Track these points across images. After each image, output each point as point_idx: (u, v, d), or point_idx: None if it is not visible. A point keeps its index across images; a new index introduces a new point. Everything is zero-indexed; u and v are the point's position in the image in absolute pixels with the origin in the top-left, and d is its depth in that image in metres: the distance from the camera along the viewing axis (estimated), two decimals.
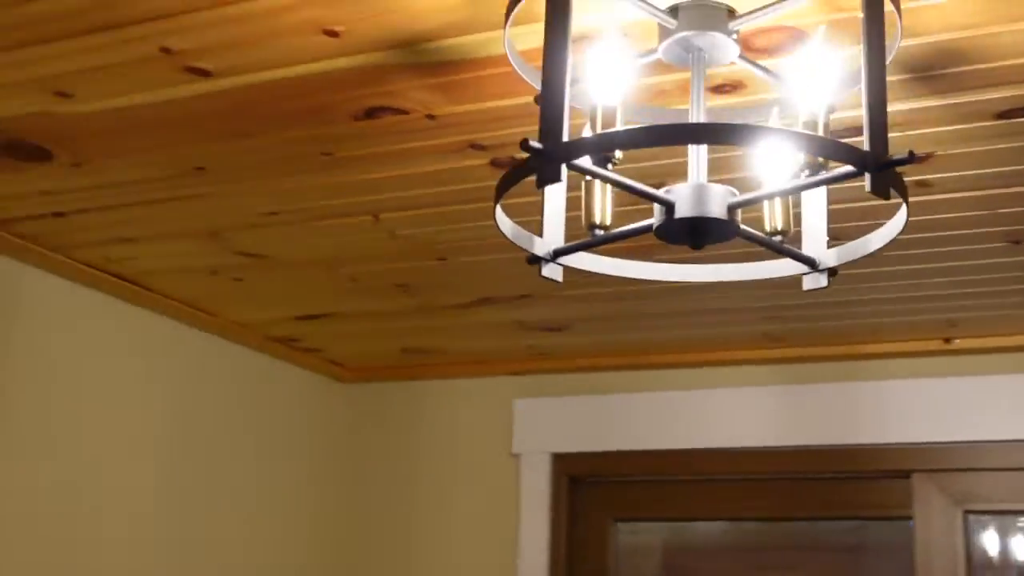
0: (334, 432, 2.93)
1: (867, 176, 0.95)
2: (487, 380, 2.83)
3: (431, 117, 1.57)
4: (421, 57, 1.41)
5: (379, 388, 2.95)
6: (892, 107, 1.45)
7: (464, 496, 2.79)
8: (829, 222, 1.19)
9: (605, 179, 1.04)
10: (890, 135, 1.50)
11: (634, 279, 1.22)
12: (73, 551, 2.22)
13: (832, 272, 1.18)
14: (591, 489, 2.77)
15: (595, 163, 1.04)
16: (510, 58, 1.15)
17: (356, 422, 2.95)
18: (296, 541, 2.79)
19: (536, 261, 1.19)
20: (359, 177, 1.77)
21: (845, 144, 0.96)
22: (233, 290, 2.36)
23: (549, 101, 0.98)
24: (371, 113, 1.57)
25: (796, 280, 1.20)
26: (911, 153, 0.94)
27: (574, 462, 2.75)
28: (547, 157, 0.96)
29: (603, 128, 1.03)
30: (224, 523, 2.59)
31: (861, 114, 0.98)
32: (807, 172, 1.03)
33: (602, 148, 0.99)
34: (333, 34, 1.38)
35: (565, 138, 0.97)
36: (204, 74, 1.49)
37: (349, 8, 1.32)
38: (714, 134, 1.00)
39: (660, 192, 1.06)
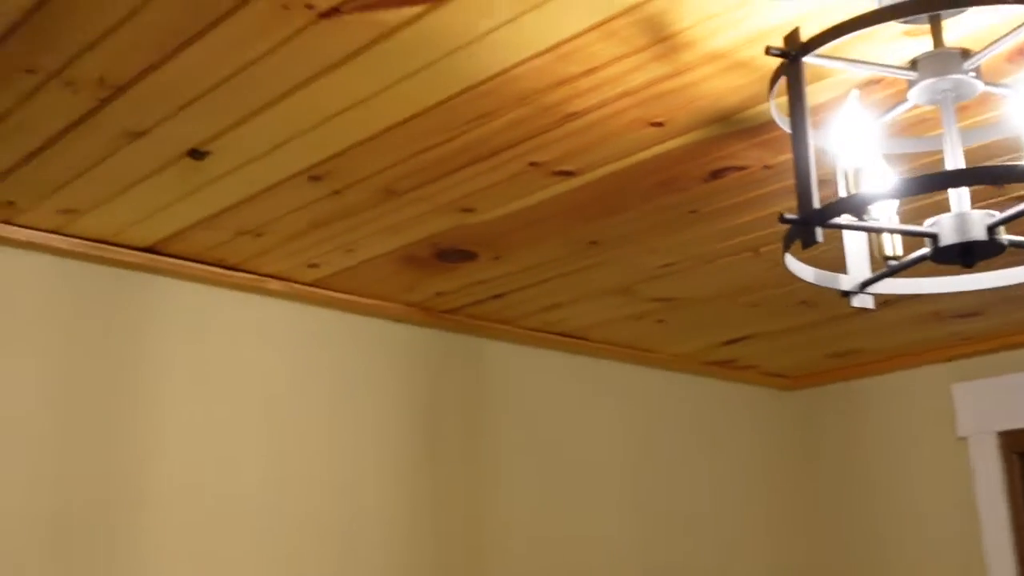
0: (784, 437, 3.13)
1: None
2: (921, 370, 2.92)
3: (768, 167, 1.77)
4: (736, 126, 1.63)
5: (820, 392, 3.11)
6: None
7: (917, 483, 2.89)
8: None
9: (863, 229, 1.21)
10: None
11: (937, 294, 1.36)
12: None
13: None
14: None
15: (857, 216, 1.21)
16: (778, 122, 1.33)
17: (803, 425, 3.13)
18: (761, 541, 3.01)
19: (847, 295, 1.37)
20: (726, 224, 2.00)
21: None
22: (660, 329, 2.64)
23: (799, 176, 1.17)
24: (716, 174, 1.80)
25: None
26: None
27: (1022, 438, 2.77)
28: (803, 225, 1.16)
29: (855, 186, 1.21)
30: (688, 533, 2.86)
31: None
32: None
33: (850, 209, 1.17)
34: (658, 125, 1.63)
35: (816, 205, 1.16)
36: (569, 174, 1.79)
37: (664, 104, 1.57)
38: (940, 182, 1.14)
39: (924, 227, 1.22)
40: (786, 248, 1.25)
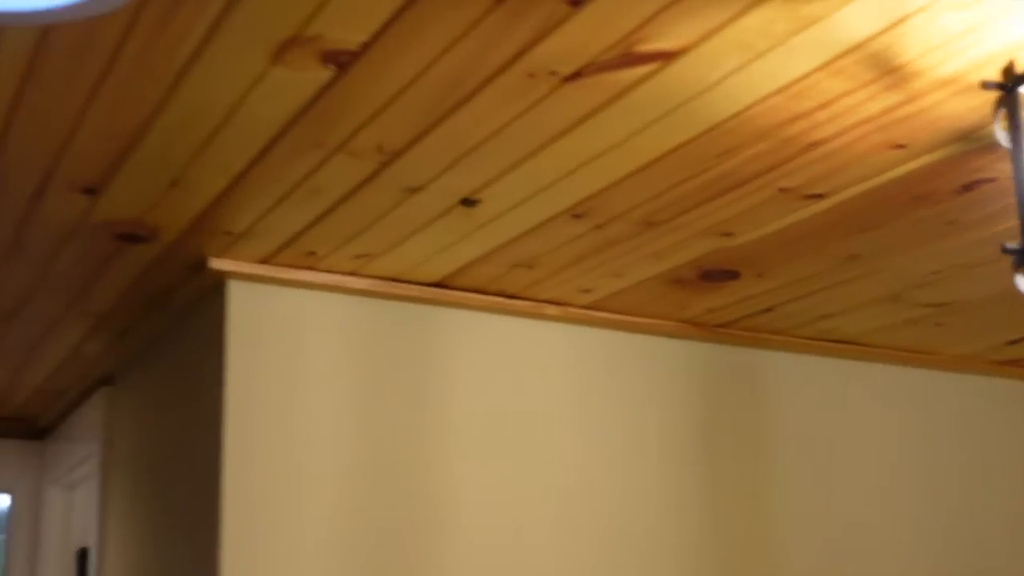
0: None
1: None
2: None
3: None
4: (979, 142, 1.65)
5: None
6: None
7: None
8: None
9: None
10: None
11: None
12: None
13: None
14: None
15: None
16: (1001, 142, 1.36)
17: None
18: None
19: None
20: (986, 232, 2.00)
21: None
22: (939, 332, 2.63)
23: (1020, 204, 1.21)
24: (968, 187, 1.82)
25: None
26: None
27: None
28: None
29: None
30: (986, 540, 2.81)
31: None
32: None
33: None
34: (900, 147, 1.67)
35: None
36: (819, 196, 1.85)
37: (903, 128, 1.61)
38: None
39: None
40: (1015, 271, 1.28)
